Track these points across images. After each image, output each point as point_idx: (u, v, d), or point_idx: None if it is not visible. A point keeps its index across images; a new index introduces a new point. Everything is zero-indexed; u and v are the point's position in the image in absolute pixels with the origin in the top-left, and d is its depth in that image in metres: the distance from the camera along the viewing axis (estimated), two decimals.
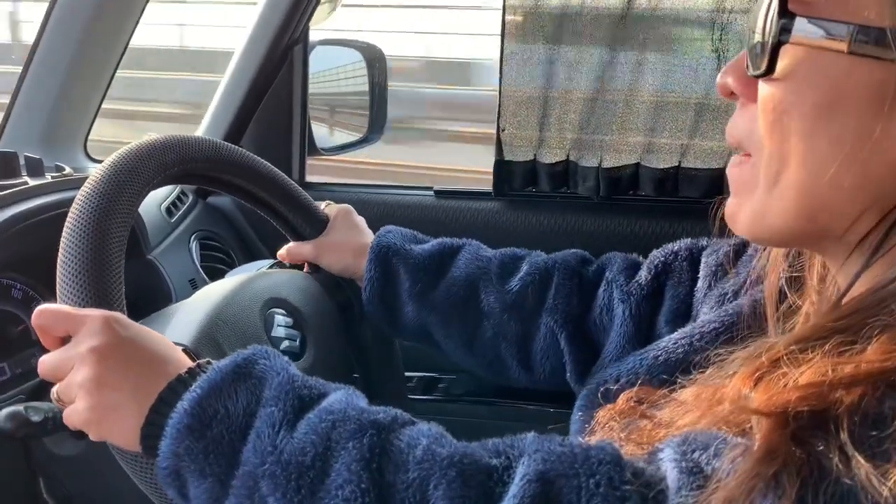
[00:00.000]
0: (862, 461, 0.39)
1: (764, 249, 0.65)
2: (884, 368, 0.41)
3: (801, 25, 0.47)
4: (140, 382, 0.57)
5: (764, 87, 0.50)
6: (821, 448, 0.40)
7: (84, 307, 0.63)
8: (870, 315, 0.45)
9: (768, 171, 0.50)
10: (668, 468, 0.45)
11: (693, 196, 1.24)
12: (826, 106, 0.47)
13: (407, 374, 1.20)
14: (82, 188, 0.69)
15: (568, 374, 0.84)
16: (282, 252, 0.96)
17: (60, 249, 0.66)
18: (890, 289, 0.45)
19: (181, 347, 0.66)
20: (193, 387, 0.56)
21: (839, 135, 0.47)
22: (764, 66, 0.49)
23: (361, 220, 0.97)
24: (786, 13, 0.48)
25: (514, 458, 0.49)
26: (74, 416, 0.59)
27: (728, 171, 0.56)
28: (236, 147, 0.86)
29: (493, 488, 0.48)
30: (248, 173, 0.86)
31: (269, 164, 0.89)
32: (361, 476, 0.50)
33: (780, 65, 0.48)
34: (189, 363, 0.60)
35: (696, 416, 0.49)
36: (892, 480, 0.38)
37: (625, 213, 1.26)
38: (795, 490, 0.39)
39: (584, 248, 0.91)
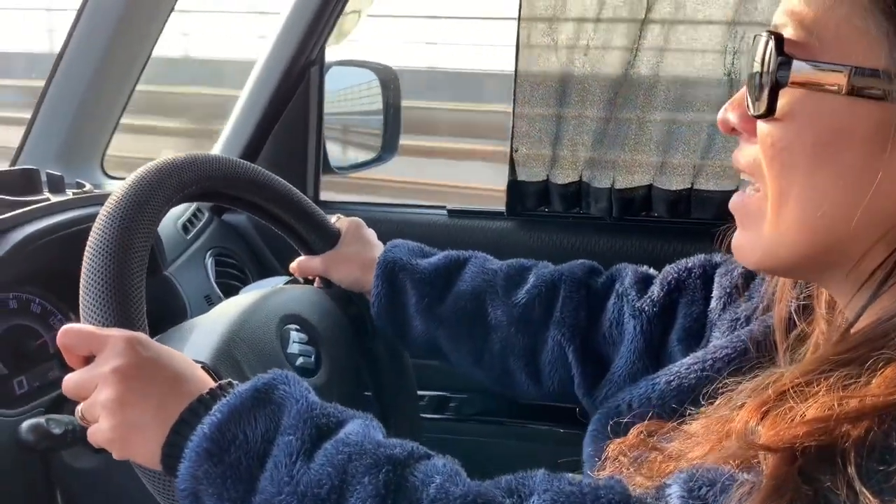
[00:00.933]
0: (870, 496, 0.39)
1: (772, 277, 0.66)
2: (889, 402, 0.41)
3: (798, 67, 0.48)
4: (162, 402, 0.58)
5: (764, 127, 0.51)
6: (828, 484, 0.40)
7: (107, 327, 0.64)
8: (874, 348, 0.45)
9: (773, 204, 0.51)
10: None
11: (706, 218, 1.24)
12: (826, 145, 0.48)
13: (418, 392, 1.21)
14: (103, 209, 0.70)
15: (576, 387, 0.84)
16: (293, 265, 0.97)
17: (83, 270, 0.67)
18: (891, 323, 0.46)
19: (201, 365, 0.67)
20: (213, 410, 0.57)
21: (841, 173, 0.48)
22: (764, 108, 0.50)
23: (371, 234, 0.97)
24: (783, 55, 0.49)
25: (525, 496, 0.50)
26: (98, 435, 0.60)
27: (732, 204, 0.57)
28: (248, 163, 0.87)
29: None
30: (261, 189, 0.87)
31: (280, 179, 0.89)
32: None
33: (780, 105, 0.49)
34: (210, 383, 0.61)
35: (705, 449, 0.49)
36: None
37: (637, 234, 1.26)
38: None
39: None
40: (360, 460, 0.53)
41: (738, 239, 0.56)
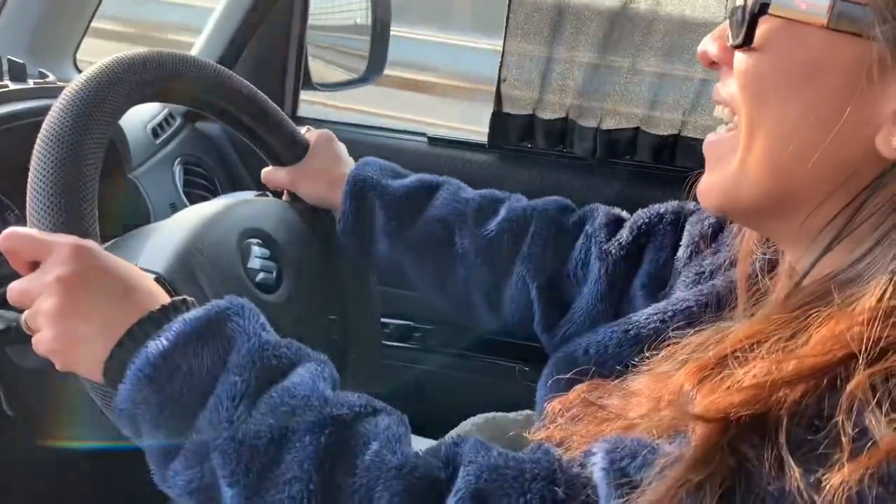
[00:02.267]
0: (794, 467, 0.38)
1: (740, 230, 0.65)
2: (824, 363, 0.40)
3: None
4: (108, 315, 0.56)
5: (741, 56, 0.50)
6: (753, 456, 0.40)
7: (54, 232, 0.60)
8: (813, 305, 0.44)
9: (745, 137, 0.50)
10: (599, 477, 0.45)
11: (691, 166, 1.21)
12: (801, 79, 0.47)
13: (383, 320, 1.19)
14: (55, 104, 0.65)
15: (535, 324, 0.83)
16: (262, 176, 0.93)
17: (31, 169, 0.63)
18: (836, 280, 0.45)
19: (154, 276, 0.64)
20: (161, 334, 0.54)
21: (812, 108, 0.47)
22: (741, 37, 0.49)
23: (342, 149, 0.93)
24: None
25: (457, 467, 0.50)
26: (40, 345, 0.58)
27: (705, 145, 0.56)
28: (215, 64, 0.82)
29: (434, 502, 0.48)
30: (228, 92, 0.83)
31: (248, 84, 0.85)
32: (312, 477, 0.50)
33: (758, 35, 0.48)
34: (162, 298, 0.58)
35: (643, 409, 0.49)
36: (827, 490, 0.37)
37: (619, 178, 1.24)
38: (715, 500, 0.39)
39: None
40: (303, 416, 0.52)
41: (704, 181, 0.56)
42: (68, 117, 0.64)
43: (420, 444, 0.55)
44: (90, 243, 0.59)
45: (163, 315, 0.56)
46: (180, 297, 0.58)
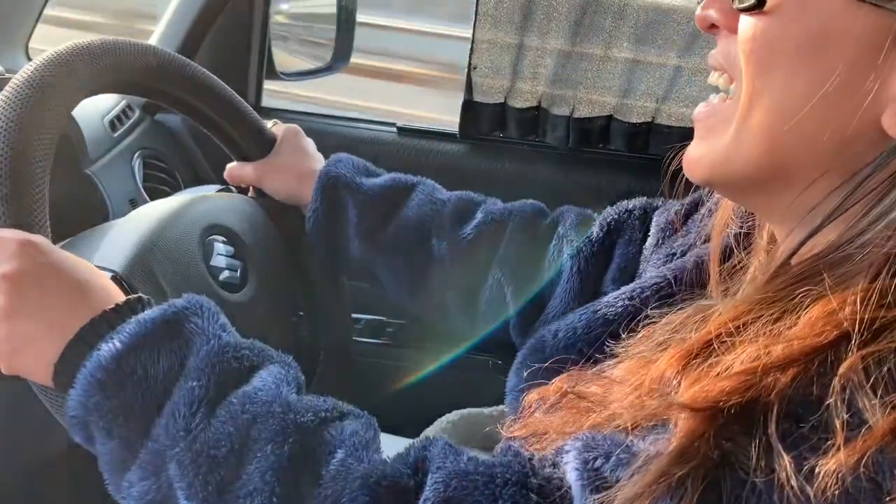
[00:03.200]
0: (785, 457, 0.36)
1: (713, 211, 0.63)
2: (816, 345, 0.39)
3: None
4: (58, 314, 0.53)
5: (747, 20, 0.47)
6: (739, 447, 0.38)
7: (0, 227, 0.57)
8: (801, 286, 0.43)
9: (743, 106, 0.47)
10: (572, 478, 0.43)
11: (663, 154, 1.20)
12: (812, 47, 0.44)
13: (354, 315, 1.16)
14: (2, 92, 0.62)
15: (511, 328, 0.82)
16: (227, 173, 0.90)
17: None
18: (827, 259, 0.43)
19: (110, 274, 0.61)
20: (114, 336, 0.51)
21: (820, 82, 0.44)
22: None
23: (310, 143, 0.90)
24: None
25: (426, 473, 0.48)
26: None
27: (696, 113, 0.53)
28: (176, 54, 0.79)
29: None
30: (189, 84, 0.79)
31: (212, 76, 0.82)
32: (274, 489, 0.48)
33: None
34: (117, 297, 0.55)
35: (626, 400, 0.47)
36: (820, 479, 0.35)
37: (592, 167, 1.23)
38: (697, 495, 0.37)
39: (548, 200, 0.87)
40: (265, 424, 0.49)
41: (692, 150, 0.52)
42: (15, 107, 0.60)
43: (394, 442, 0.53)
44: (39, 238, 0.56)
45: (116, 315, 0.53)
46: (136, 296, 0.55)
